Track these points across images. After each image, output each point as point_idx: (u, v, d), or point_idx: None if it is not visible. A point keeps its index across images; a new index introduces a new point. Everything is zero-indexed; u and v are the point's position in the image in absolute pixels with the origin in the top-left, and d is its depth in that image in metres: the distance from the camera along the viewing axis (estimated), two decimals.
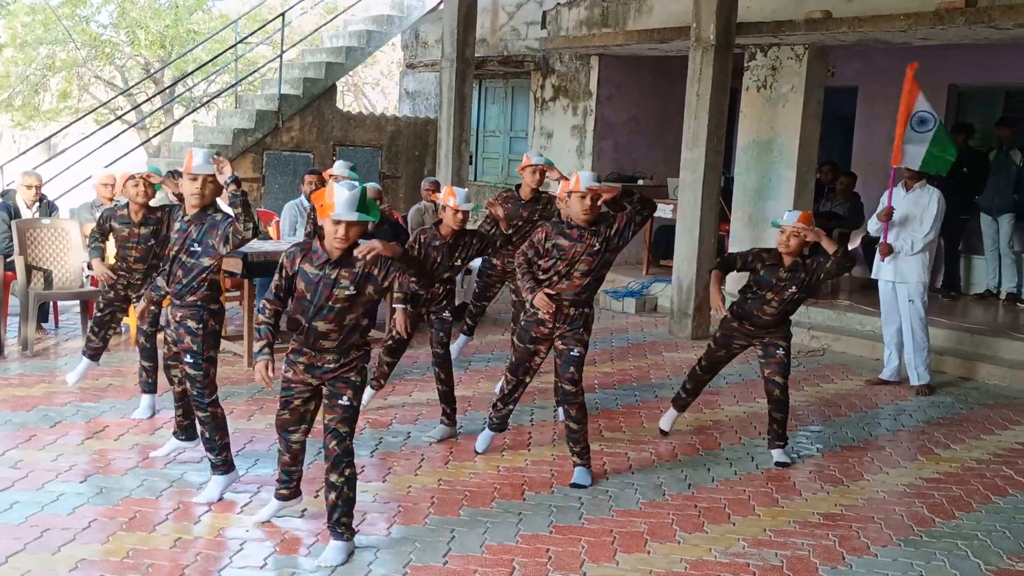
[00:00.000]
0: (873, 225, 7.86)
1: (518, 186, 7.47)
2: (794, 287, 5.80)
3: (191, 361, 4.99)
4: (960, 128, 10.46)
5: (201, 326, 4.99)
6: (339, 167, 7.55)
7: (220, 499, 5.01)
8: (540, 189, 7.45)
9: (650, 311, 10.73)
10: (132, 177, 6.41)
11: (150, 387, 6.31)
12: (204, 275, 5.00)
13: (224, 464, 5.09)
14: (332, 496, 4.40)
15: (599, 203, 5.31)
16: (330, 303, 4.27)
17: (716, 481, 5.61)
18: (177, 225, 5.08)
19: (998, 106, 10.96)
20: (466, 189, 6.08)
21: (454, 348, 7.54)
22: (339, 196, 4.18)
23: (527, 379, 5.74)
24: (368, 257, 4.21)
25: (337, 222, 4.19)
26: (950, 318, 9.23)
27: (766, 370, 5.96)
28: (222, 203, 8.74)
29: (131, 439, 5.87)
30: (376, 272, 4.27)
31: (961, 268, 10.82)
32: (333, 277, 4.26)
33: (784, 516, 5.12)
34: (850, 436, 6.58)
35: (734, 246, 10.39)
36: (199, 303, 5.02)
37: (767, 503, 5.30)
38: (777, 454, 5.97)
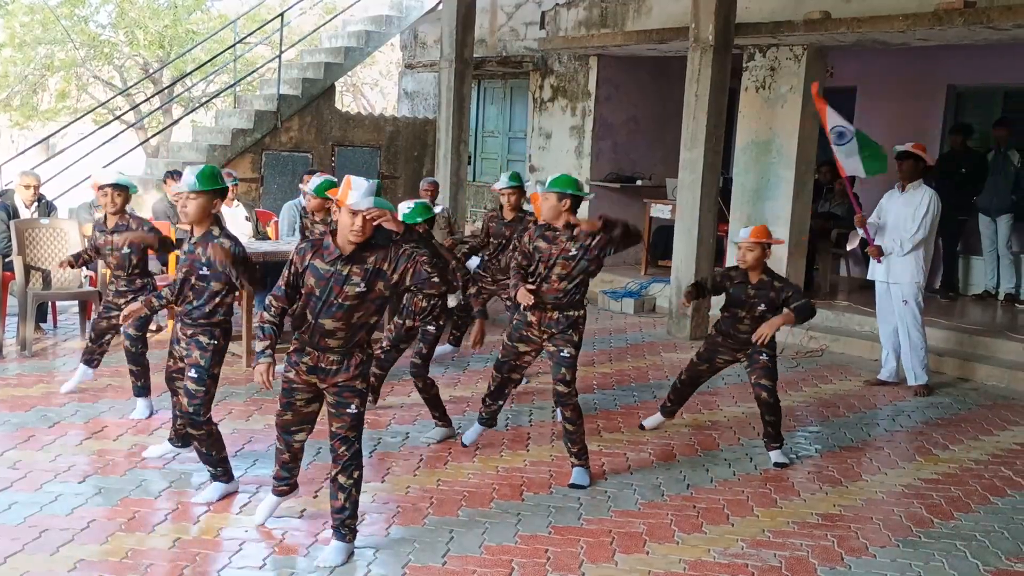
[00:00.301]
0: (859, 234, 7.95)
1: (503, 206, 7.58)
2: (763, 305, 5.85)
3: (195, 376, 4.93)
4: (958, 128, 10.47)
5: (213, 342, 4.99)
6: (315, 184, 7.60)
7: (215, 501, 5.01)
8: (524, 209, 7.50)
9: (648, 311, 10.74)
10: (101, 187, 6.39)
11: (143, 391, 6.30)
12: (217, 299, 4.98)
13: (224, 474, 5.08)
14: (341, 497, 4.39)
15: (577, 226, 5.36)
16: (340, 300, 4.22)
17: (715, 482, 5.61)
18: (186, 247, 5.08)
19: (996, 107, 10.96)
20: (416, 203, 5.88)
21: (436, 351, 7.61)
22: (356, 186, 4.13)
23: (514, 377, 5.78)
24: (377, 220, 4.14)
25: (354, 213, 4.14)
26: (948, 319, 9.23)
27: (752, 376, 5.98)
28: (227, 208, 8.76)
29: (130, 439, 5.87)
30: (386, 267, 4.23)
31: (959, 269, 10.83)
32: (344, 273, 4.21)
33: (783, 517, 5.12)
34: (848, 437, 6.58)
35: (732, 247, 10.40)
36: (213, 323, 5.01)
37: (765, 504, 5.30)
38: (775, 455, 5.98)
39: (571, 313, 5.46)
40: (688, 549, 4.67)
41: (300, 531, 4.68)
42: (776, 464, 5.92)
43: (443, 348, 8.16)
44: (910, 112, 11.14)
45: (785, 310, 5.82)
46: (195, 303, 4.99)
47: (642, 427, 6.51)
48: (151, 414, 6.28)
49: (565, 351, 5.43)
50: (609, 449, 6.09)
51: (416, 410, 6.67)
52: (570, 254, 5.36)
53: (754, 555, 4.63)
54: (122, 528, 4.62)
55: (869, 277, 8.00)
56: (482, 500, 5.16)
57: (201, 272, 4.96)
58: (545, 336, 5.49)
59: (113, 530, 4.59)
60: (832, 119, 7.76)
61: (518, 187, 7.54)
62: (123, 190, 6.36)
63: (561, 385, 5.44)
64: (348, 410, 4.34)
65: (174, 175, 9.23)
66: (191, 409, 4.91)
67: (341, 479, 4.37)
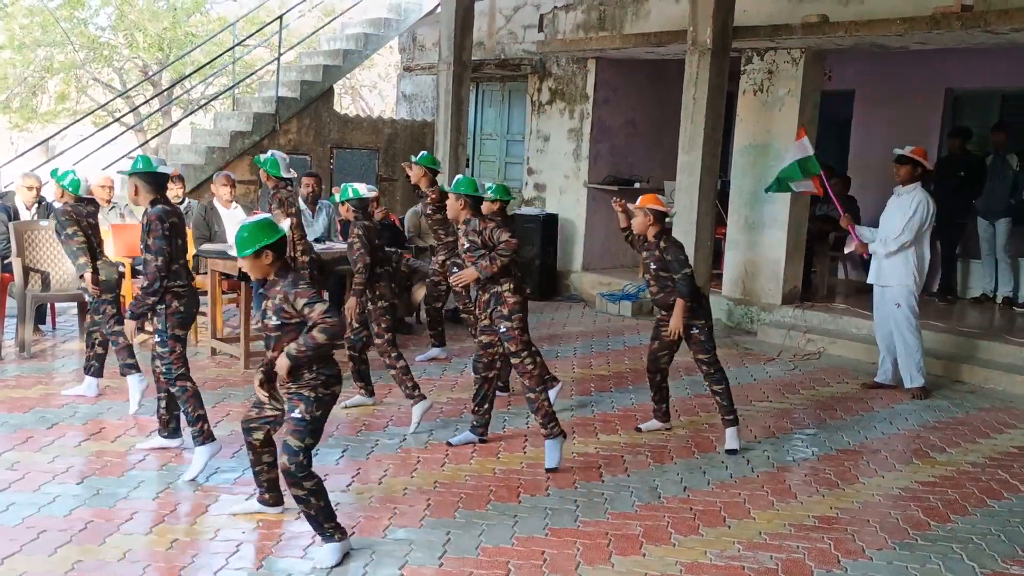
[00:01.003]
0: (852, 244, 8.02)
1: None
2: (652, 264, 6.15)
3: (159, 340, 5.38)
4: (957, 132, 10.49)
5: (164, 306, 5.33)
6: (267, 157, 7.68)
7: (204, 470, 5.26)
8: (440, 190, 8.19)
9: (647, 314, 10.72)
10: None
11: (133, 370, 6.40)
12: (152, 268, 5.28)
13: (202, 435, 5.33)
14: (303, 508, 4.42)
15: (459, 206, 5.98)
16: (267, 332, 4.44)
17: (711, 484, 5.62)
18: None
19: (994, 110, 10.98)
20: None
21: (420, 357, 8.16)
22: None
23: (489, 375, 6.00)
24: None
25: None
26: (946, 322, 9.24)
27: (692, 352, 6.25)
28: (225, 210, 8.77)
29: (128, 441, 5.88)
30: (287, 306, 4.30)
31: (958, 272, 10.83)
32: (264, 309, 4.45)
33: (779, 519, 5.13)
34: (845, 439, 6.59)
35: (730, 250, 10.42)
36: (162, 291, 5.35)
37: (762, 506, 5.31)
38: (729, 437, 6.14)
39: (494, 289, 5.83)
40: (684, 551, 4.68)
41: (297, 533, 4.69)
42: (728, 451, 6.08)
43: (430, 352, 8.25)
44: (908, 116, 11.16)
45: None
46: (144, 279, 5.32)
47: (639, 430, 6.53)
48: (143, 390, 6.34)
49: (502, 327, 5.80)
50: (606, 451, 6.10)
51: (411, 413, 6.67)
52: (465, 247, 5.91)
53: (750, 557, 4.64)
54: (120, 529, 4.63)
55: (868, 281, 8.00)
56: (479, 502, 5.17)
57: (141, 247, 5.33)
58: (490, 317, 5.85)
59: (111, 531, 4.60)
60: (799, 149, 8.22)
61: (419, 164, 8.19)
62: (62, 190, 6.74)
63: (512, 357, 5.79)
64: (292, 414, 4.38)
65: (173, 179, 9.23)
66: (164, 369, 5.37)
67: (294, 491, 4.37)
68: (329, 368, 4.40)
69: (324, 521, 4.41)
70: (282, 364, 4.26)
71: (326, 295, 9.29)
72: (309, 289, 4.26)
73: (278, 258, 4.34)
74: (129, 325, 5.63)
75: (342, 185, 6.74)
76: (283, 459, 4.34)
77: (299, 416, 4.35)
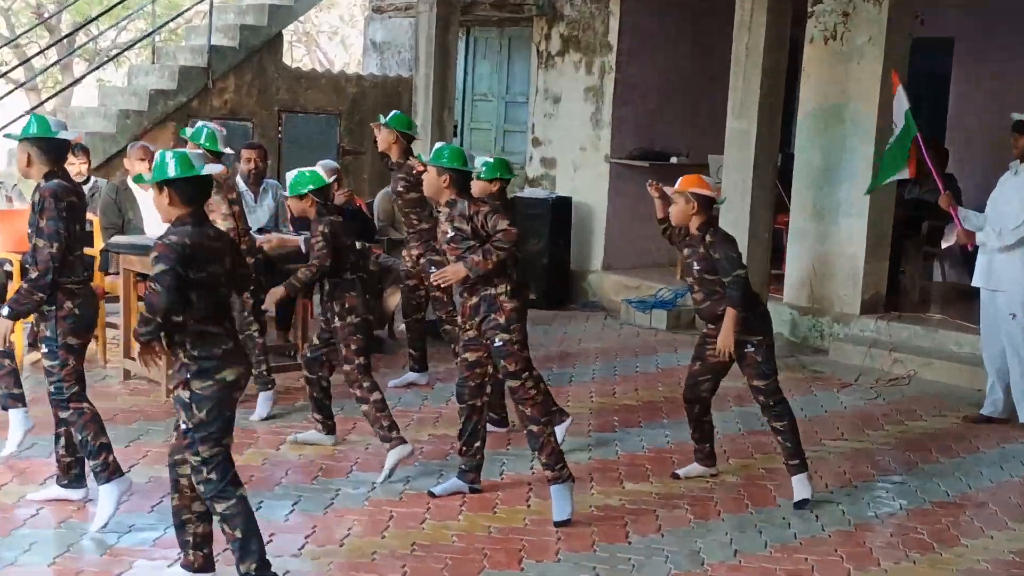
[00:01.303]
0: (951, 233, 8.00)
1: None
2: (696, 264, 6.18)
3: (47, 351, 5.36)
4: None
5: (53, 307, 5.30)
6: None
7: (113, 516, 5.26)
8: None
9: (686, 327, 10.72)
10: None
11: (17, 403, 6.32)
12: (43, 256, 5.24)
13: (107, 469, 5.30)
14: (223, 529, 4.52)
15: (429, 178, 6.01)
16: None
17: (769, 547, 5.62)
18: None
19: None
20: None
21: (394, 382, 8.17)
22: None
23: (477, 402, 6.00)
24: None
25: None
26: None
27: (746, 377, 6.23)
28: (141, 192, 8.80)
29: (16, 490, 5.85)
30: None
31: None
32: None
33: None
34: (943, 489, 6.59)
35: (794, 244, 10.39)
36: (52, 285, 5.29)
37: (835, 575, 5.30)
38: (797, 486, 6.14)
39: (486, 292, 5.83)
40: None
41: None
42: (796, 505, 6.08)
43: (407, 376, 8.25)
44: (1022, 71, 11.15)
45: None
46: (31, 263, 5.33)
47: (676, 476, 6.53)
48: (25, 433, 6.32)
49: (497, 339, 5.81)
50: (634, 504, 6.10)
51: (383, 456, 6.66)
52: (448, 236, 5.87)
53: None
54: None
55: (974, 284, 7.99)
56: (470, 569, 5.17)
57: (30, 232, 5.33)
58: (476, 331, 5.88)
59: None
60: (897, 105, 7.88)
61: (388, 126, 8.15)
62: None
63: (510, 379, 5.80)
64: (182, 427, 4.50)
65: (75, 150, 9.24)
66: (52, 388, 5.34)
67: (215, 516, 4.52)
68: (206, 348, 4.47)
69: (241, 561, 4.45)
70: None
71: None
72: (166, 246, 4.40)
73: (180, 203, 4.52)
74: (4, 325, 5.41)
75: (293, 173, 6.65)
76: (194, 478, 4.49)
77: (185, 427, 4.47)
